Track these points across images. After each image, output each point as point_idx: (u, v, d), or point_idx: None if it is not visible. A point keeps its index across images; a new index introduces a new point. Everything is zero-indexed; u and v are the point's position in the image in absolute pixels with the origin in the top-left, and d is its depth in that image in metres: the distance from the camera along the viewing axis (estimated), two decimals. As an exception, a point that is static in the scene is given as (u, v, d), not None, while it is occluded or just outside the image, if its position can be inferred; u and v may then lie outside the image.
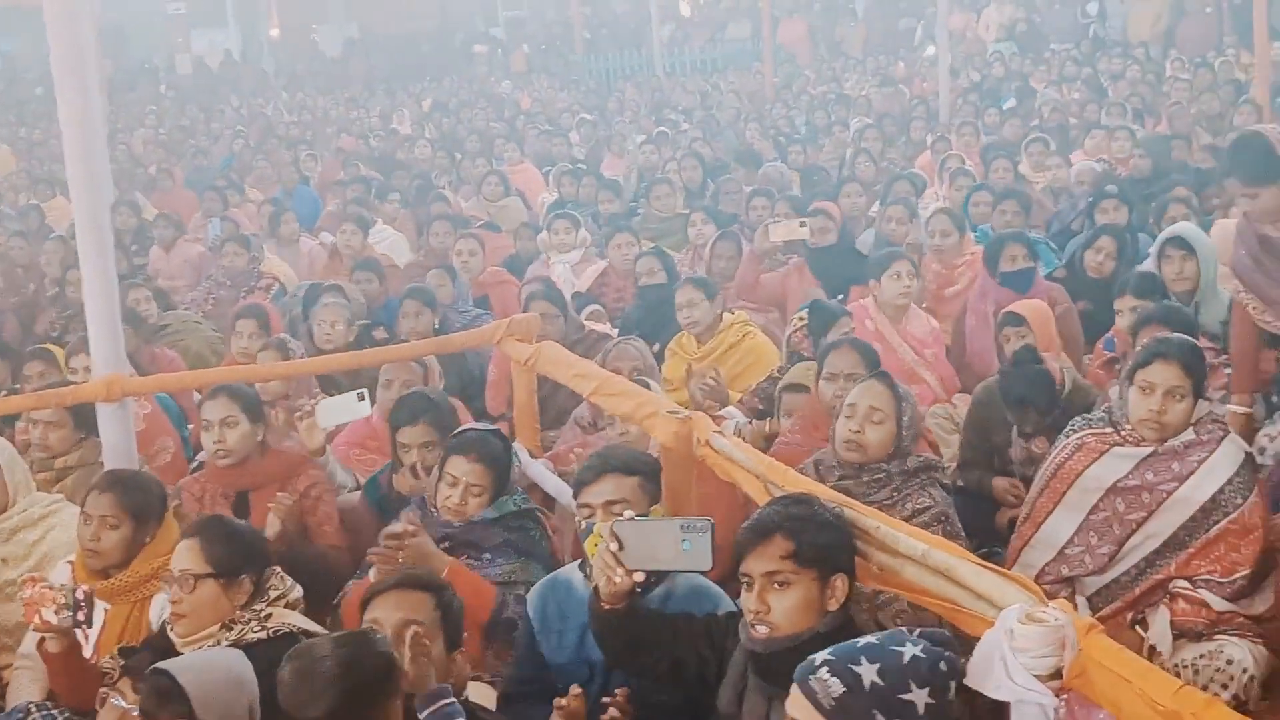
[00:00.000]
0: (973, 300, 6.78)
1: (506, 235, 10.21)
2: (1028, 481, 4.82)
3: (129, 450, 4.85)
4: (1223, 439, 4.17)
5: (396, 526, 4.01)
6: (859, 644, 2.54)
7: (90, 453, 5.27)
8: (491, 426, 4.62)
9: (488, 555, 4.20)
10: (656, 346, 6.88)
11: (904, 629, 2.63)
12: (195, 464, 5.47)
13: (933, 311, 7.17)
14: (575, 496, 3.83)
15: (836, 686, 2.44)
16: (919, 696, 2.43)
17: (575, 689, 3.27)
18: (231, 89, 25.93)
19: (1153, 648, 4.05)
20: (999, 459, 5.31)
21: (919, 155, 12.36)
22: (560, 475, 5.00)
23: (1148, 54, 17.72)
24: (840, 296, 7.24)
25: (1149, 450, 4.14)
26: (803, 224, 7.19)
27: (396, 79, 27.07)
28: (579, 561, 3.78)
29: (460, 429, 4.53)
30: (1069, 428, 4.41)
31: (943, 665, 2.47)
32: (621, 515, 3.45)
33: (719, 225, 8.78)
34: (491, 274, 8.46)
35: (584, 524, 3.70)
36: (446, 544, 4.15)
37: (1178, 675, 3.90)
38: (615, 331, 7.29)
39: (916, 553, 2.98)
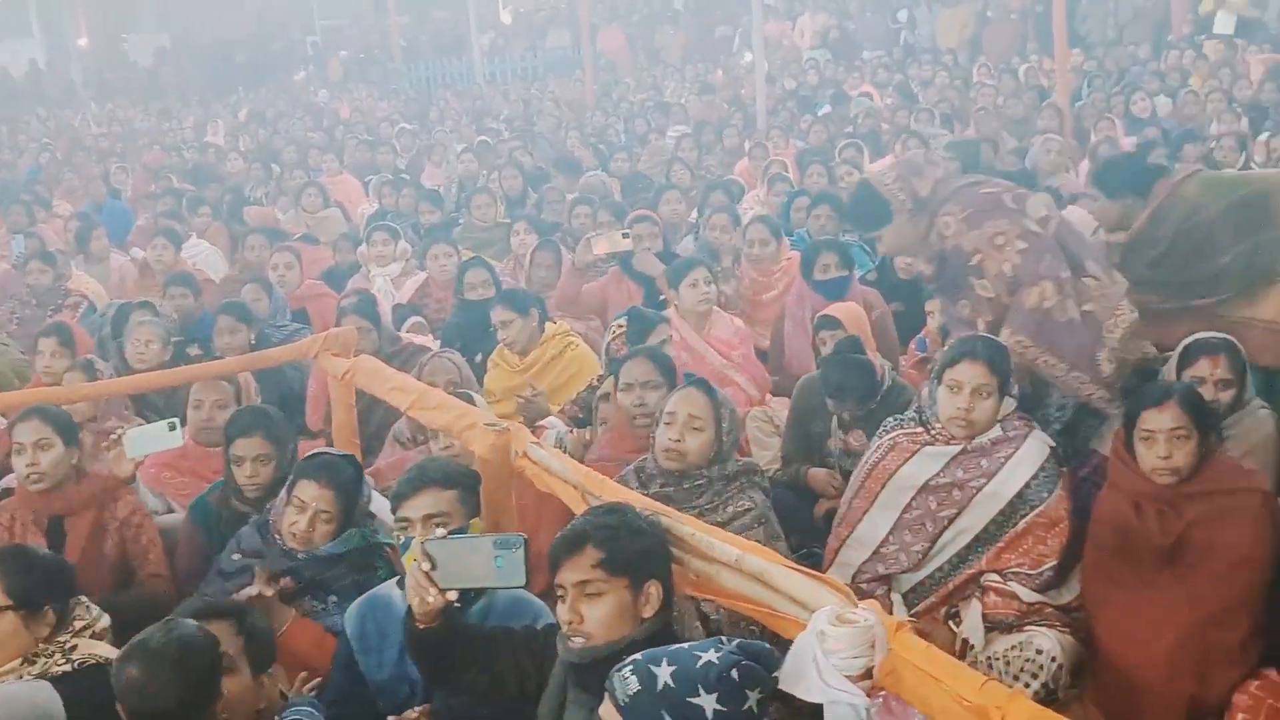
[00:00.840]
0: (790, 305, 6.86)
1: (325, 247, 10.03)
2: (846, 474, 4.91)
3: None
4: (1028, 435, 4.31)
5: (252, 590, 3.92)
6: (670, 648, 2.58)
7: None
8: (344, 452, 4.51)
9: (333, 598, 4.11)
10: (480, 357, 6.86)
11: (722, 637, 2.66)
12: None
13: (750, 316, 7.26)
14: (393, 511, 3.77)
15: (634, 684, 2.49)
16: (707, 701, 2.46)
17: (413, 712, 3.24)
18: (37, 100, 25.08)
19: (966, 641, 4.16)
20: (818, 452, 5.41)
21: (738, 162, 12.50)
22: (382, 492, 4.94)
23: (956, 60, 18.23)
24: (662, 298, 7.30)
25: (958, 448, 4.26)
26: (625, 235, 7.18)
27: (211, 89, 26.49)
28: (397, 578, 3.72)
29: (313, 452, 4.40)
30: (882, 428, 4.51)
31: (734, 673, 2.49)
32: (440, 529, 3.43)
33: (541, 234, 8.76)
34: (309, 287, 8.31)
35: (401, 539, 3.65)
36: (291, 578, 4.06)
37: (990, 667, 4.06)
38: (437, 344, 7.23)
39: (730, 558, 2.99)
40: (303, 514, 4.12)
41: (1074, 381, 4.59)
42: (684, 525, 3.17)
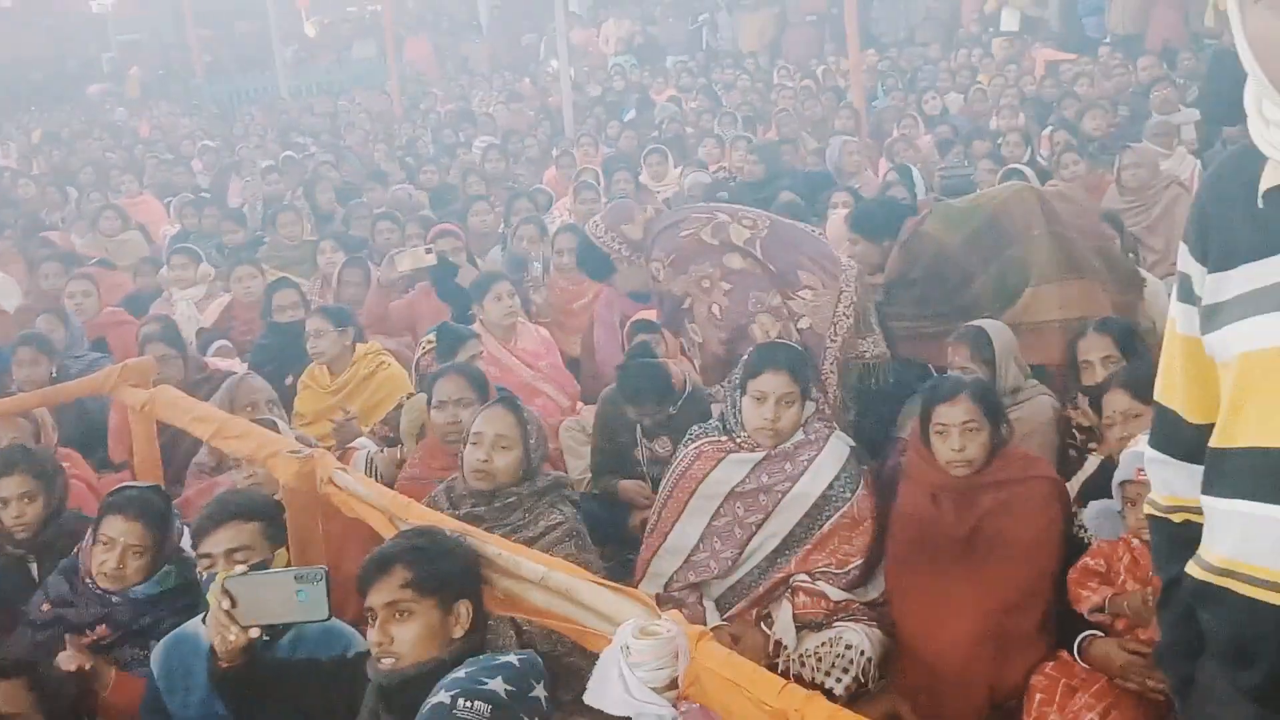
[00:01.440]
0: (600, 311, 6.93)
1: (125, 272, 9.77)
2: (655, 482, 4.98)
3: None
4: (829, 436, 4.42)
5: (69, 664, 3.76)
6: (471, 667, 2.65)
7: None
8: (150, 484, 4.38)
9: (155, 644, 3.90)
10: (290, 379, 6.75)
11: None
12: None
13: (562, 325, 7.30)
14: (195, 546, 3.71)
15: (483, 708, 2.52)
16: (498, 685, 2.59)
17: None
18: None
19: (779, 641, 4.24)
20: (627, 462, 5.47)
21: (546, 170, 12.52)
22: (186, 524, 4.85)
23: (757, 63, 18.57)
24: (471, 311, 7.30)
25: (762, 454, 4.34)
26: (429, 250, 7.16)
27: (5, 110, 25.55)
28: (203, 614, 3.66)
29: (117, 487, 4.26)
30: (687, 436, 4.58)
31: (515, 660, 2.63)
32: (242, 565, 3.38)
33: (348, 251, 8.67)
34: (108, 315, 8.07)
35: (204, 575, 3.58)
36: (107, 626, 3.92)
37: (803, 665, 4.15)
38: (244, 367, 7.10)
39: (537, 576, 3.02)
40: (111, 551, 3.96)
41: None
42: (490, 545, 3.19)
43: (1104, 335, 4.68)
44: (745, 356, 4.50)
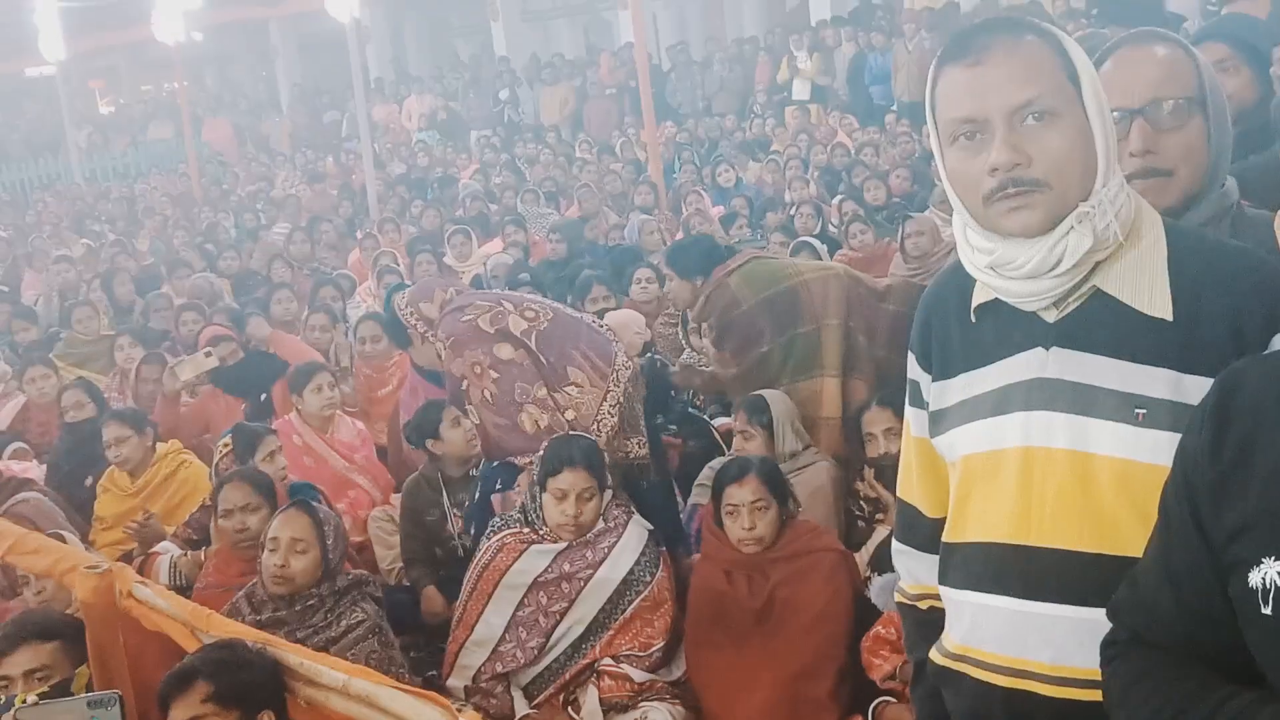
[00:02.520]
0: (405, 398, 6.94)
1: (-86, 376, 9.47)
2: (469, 551, 5.04)
3: None
4: (628, 521, 4.57)
5: None
6: None
7: None
8: None
9: None
10: (90, 481, 6.65)
11: None
12: None
13: (367, 413, 7.33)
14: None
15: None
16: None
17: None
18: None
19: (586, 723, 4.36)
20: (438, 539, 5.55)
21: (350, 252, 12.51)
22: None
23: (559, 136, 18.83)
24: (264, 397, 7.29)
25: (564, 545, 4.46)
26: (208, 354, 7.13)
27: None
28: None
29: None
30: (490, 528, 4.67)
31: None
32: (44, 681, 3.37)
33: (148, 344, 8.55)
34: (-106, 422, 7.84)
35: (2, 698, 3.55)
36: None
37: (609, 745, 4.28)
38: (43, 469, 6.97)
39: (338, 683, 3.08)
40: None
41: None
42: (291, 654, 3.24)
43: (886, 409, 4.93)
44: (541, 453, 4.59)
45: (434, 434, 5.56)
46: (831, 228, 10.16)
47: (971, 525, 2.14)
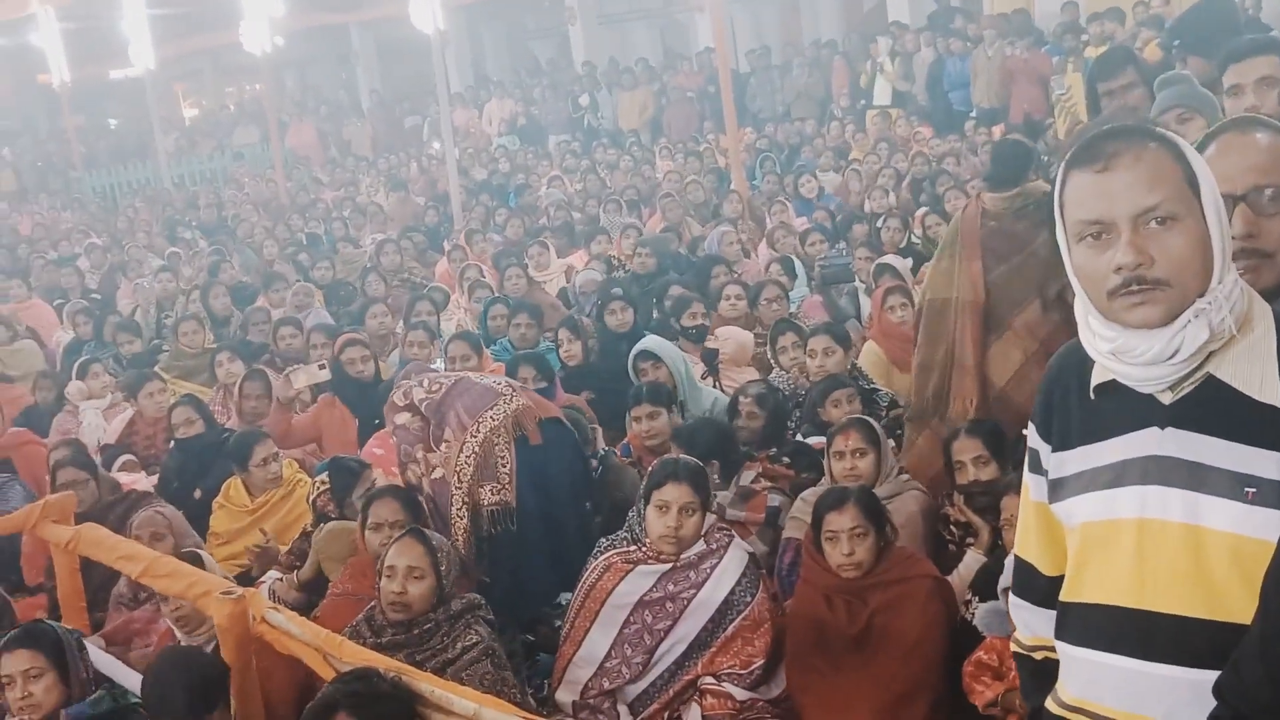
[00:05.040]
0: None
1: (21, 385, 9.79)
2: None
3: None
4: (730, 544, 4.73)
5: None
6: None
7: None
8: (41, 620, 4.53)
9: None
10: (199, 494, 6.90)
11: None
12: None
13: (462, 432, 7.51)
14: None
15: None
16: None
17: None
18: None
19: (690, 741, 4.53)
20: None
21: (437, 263, 12.73)
22: (112, 653, 5.01)
23: (639, 141, 18.97)
24: (376, 422, 7.49)
25: (668, 566, 4.64)
26: (322, 366, 7.36)
27: None
28: None
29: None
30: (596, 548, 4.86)
31: None
32: None
33: (248, 357, 8.82)
34: (12, 436, 8.05)
35: None
36: None
37: (712, 763, 4.45)
38: (152, 482, 7.21)
39: (469, 712, 3.27)
40: (14, 687, 4.11)
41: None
42: (423, 683, 3.43)
43: (974, 438, 5.06)
44: (650, 469, 4.82)
45: None
46: (914, 239, 10.22)
47: (1089, 587, 2.31)
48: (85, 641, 4.98)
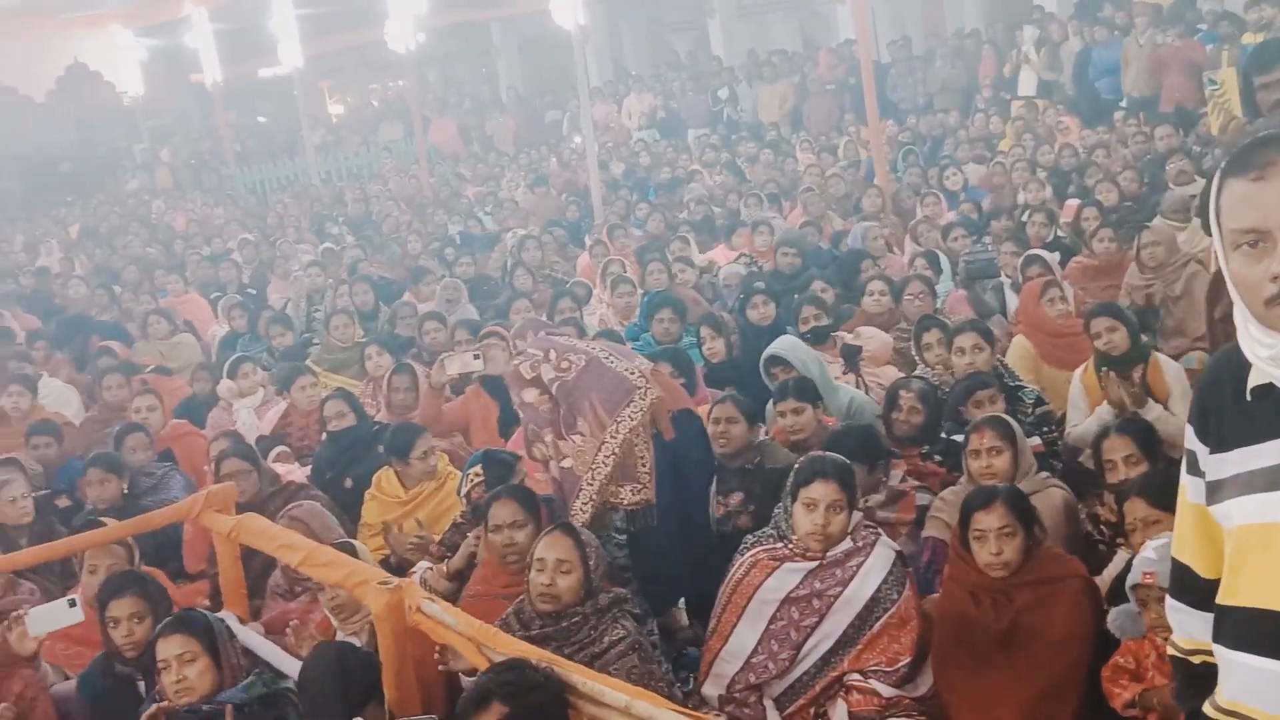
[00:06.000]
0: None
1: (180, 377, 10.11)
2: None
3: None
4: (876, 542, 4.73)
5: None
6: None
7: None
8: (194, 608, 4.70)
9: None
10: (349, 483, 7.07)
11: None
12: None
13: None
14: None
15: None
16: None
17: None
18: None
19: (835, 738, 4.55)
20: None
21: (579, 258, 12.84)
22: (272, 639, 5.16)
23: (779, 133, 18.90)
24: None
25: (814, 564, 4.65)
26: (476, 356, 7.47)
27: (37, 202, 25.99)
28: None
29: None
30: (742, 545, 4.89)
31: None
32: None
33: (395, 351, 9.00)
34: (174, 427, 8.36)
35: None
36: None
37: (860, 759, 4.46)
38: (305, 473, 7.40)
39: (620, 704, 3.32)
40: (169, 671, 4.26)
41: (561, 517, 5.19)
42: (574, 674, 3.49)
43: (1125, 436, 5.00)
44: (796, 465, 4.85)
45: None
46: (1060, 232, 10.05)
47: (1244, 590, 2.29)
48: (247, 627, 5.21)
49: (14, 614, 4.91)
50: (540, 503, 5.12)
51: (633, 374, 5.23)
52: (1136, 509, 4.57)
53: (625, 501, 5.16)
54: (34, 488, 7.01)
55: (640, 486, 5.16)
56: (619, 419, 5.11)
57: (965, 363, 6.52)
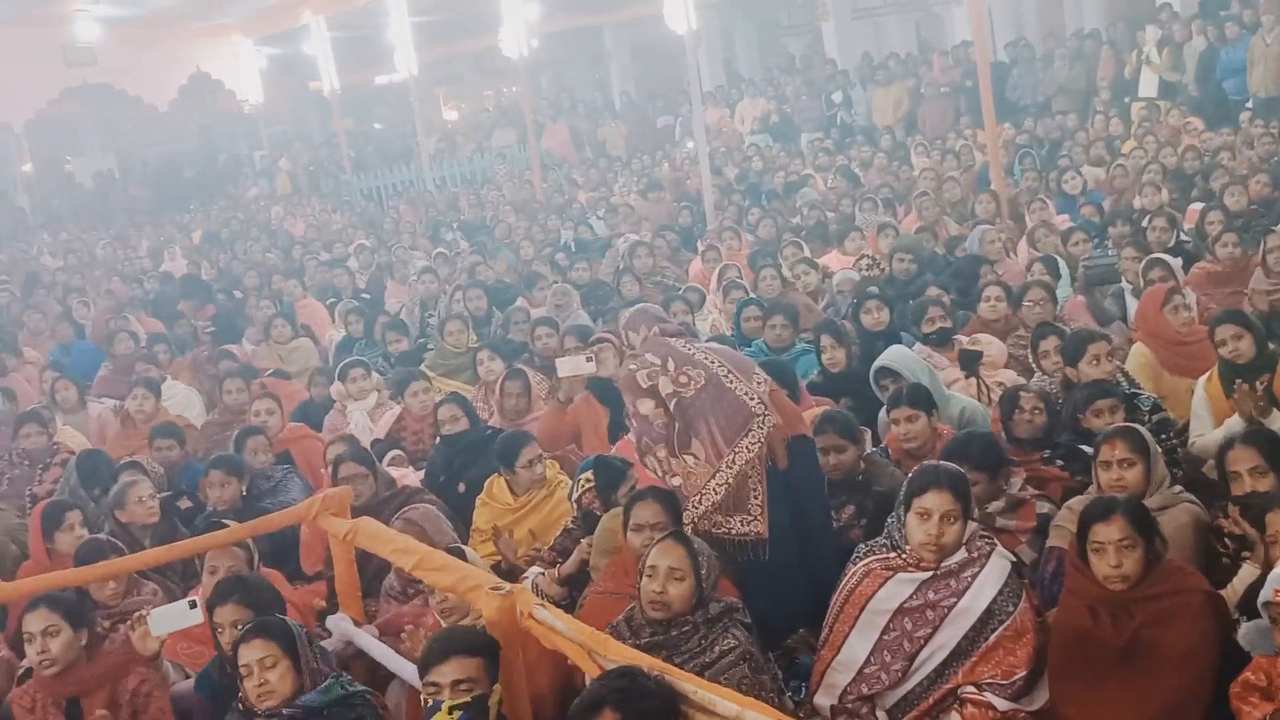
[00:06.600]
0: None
1: (298, 381, 10.27)
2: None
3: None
4: (991, 553, 4.65)
5: None
6: None
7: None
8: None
9: None
10: (462, 487, 7.13)
11: None
12: (23, 670, 5.44)
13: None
14: (422, 675, 4.10)
15: None
16: None
17: None
18: (-15, 232, 25.21)
19: (949, 751, 4.48)
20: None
21: (690, 263, 12.82)
22: (385, 641, 5.23)
23: (894, 137, 18.73)
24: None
25: (928, 574, 4.59)
26: (589, 359, 7.48)
27: (161, 208, 26.65)
28: None
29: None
30: (855, 554, 4.84)
31: None
32: (468, 693, 3.81)
33: (508, 356, 9.05)
34: (291, 430, 8.50)
35: (430, 701, 3.95)
36: None
37: (974, 773, 4.38)
38: (419, 477, 7.47)
39: (732, 714, 3.30)
40: (251, 676, 4.31)
41: None
42: (686, 683, 3.48)
43: (1250, 447, 4.87)
44: (909, 475, 4.80)
45: None
46: (1182, 235, 9.83)
47: None
48: (362, 629, 5.28)
49: (137, 614, 5.02)
50: (680, 507, 5.12)
51: (752, 399, 5.18)
52: (1242, 458, 4.46)
53: (733, 532, 5.13)
54: (157, 489, 7.16)
55: (750, 519, 5.13)
56: (736, 449, 5.10)
57: (1102, 371, 6.40)
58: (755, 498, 5.14)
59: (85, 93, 26.28)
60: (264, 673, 4.29)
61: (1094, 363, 6.43)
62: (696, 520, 5.11)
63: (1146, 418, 6.13)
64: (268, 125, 31.32)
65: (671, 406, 5.15)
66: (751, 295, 9.65)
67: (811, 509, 5.35)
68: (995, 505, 5.36)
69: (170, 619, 4.88)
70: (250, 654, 4.32)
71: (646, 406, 5.20)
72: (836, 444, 5.81)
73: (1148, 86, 17.05)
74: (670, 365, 5.22)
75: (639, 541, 5.01)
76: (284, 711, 4.30)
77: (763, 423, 5.13)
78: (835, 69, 22.07)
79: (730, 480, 5.08)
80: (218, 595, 5.01)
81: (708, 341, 7.55)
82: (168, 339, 11.64)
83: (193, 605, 4.87)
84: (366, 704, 4.43)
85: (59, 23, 23.44)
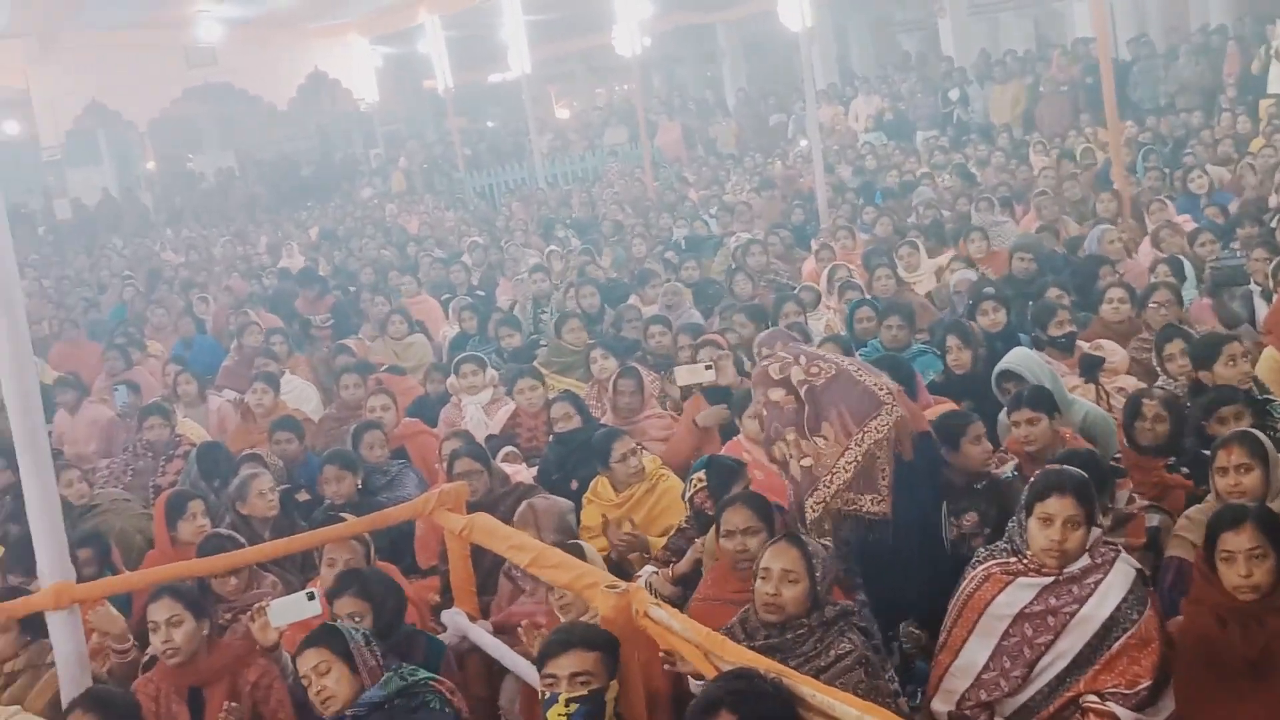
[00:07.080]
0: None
1: (413, 376, 10.37)
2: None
3: (80, 657, 4.96)
4: (1116, 559, 4.54)
5: None
6: None
7: (37, 655, 5.38)
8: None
9: None
10: (575, 485, 7.13)
11: None
12: (147, 659, 5.55)
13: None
14: (540, 667, 4.14)
15: None
16: None
17: None
18: (112, 228, 25.79)
19: (1070, 761, 4.38)
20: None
21: (803, 262, 12.74)
22: (501, 638, 5.26)
23: (1011, 135, 18.46)
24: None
25: (1050, 580, 4.49)
26: (708, 367, 7.43)
27: (279, 205, 27.12)
28: None
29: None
30: (975, 558, 4.75)
31: None
32: (585, 686, 3.86)
33: (620, 353, 9.05)
34: (407, 426, 8.58)
35: (548, 693, 3.96)
36: None
37: (1095, 784, 4.29)
38: (533, 474, 7.49)
39: (851, 718, 3.26)
40: (311, 685, 4.42)
41: (791, 521, 5.11)
42: (804, 686, 3.45)
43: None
44: (1031, 479, 4.69)
45: None
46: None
47: None
48: (476, 624, 5.31)
49: (256, 606, 5.10)
50: (774, 510, 5.08)
51: (880, 389, 5.16)
52: None
53: (864, 509, 5.07)
54: (276, 482, 7.26)
55: (880, 498, 5.08)
56: (865, 429, 5.05)
57: (1238, 374, 6.25)
58: (883, 479, 5.09)
59: (206, 92, 26.81)
60: (320, 679, 4.38)
61: (1230, 363, 6.26)
62: (829, 498, 5.05)
63: (1278, 426, 5.96)
64: (383, 124, 31.71)
65: (802, 393, 5.15)
66: (866, 295, 9.55)
67: (928, 505, 5.31)
68: (1102, 522, 5.23)
69: (289, 610, 4.95)
70: (305, 664, 4.42)
71: (777, 394, 5.21)
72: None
73: (1277, 83, 16.60)
74: (802, 359, 5.26)
75: (731, 547, 5.00)
76: (347, 714, 4.36)
77: (891, 409, 5.11)
78: (951, 66, 21.82)
79: (860, 458, 5.03)
80: (335, 588, 5.10)
81: (822, 341, 7.58)
82: (285, 333, 11.82)
83: (311, 597, 4.94)
84: (429, 689, 4.45)
85: (181, 24, 23.91)
